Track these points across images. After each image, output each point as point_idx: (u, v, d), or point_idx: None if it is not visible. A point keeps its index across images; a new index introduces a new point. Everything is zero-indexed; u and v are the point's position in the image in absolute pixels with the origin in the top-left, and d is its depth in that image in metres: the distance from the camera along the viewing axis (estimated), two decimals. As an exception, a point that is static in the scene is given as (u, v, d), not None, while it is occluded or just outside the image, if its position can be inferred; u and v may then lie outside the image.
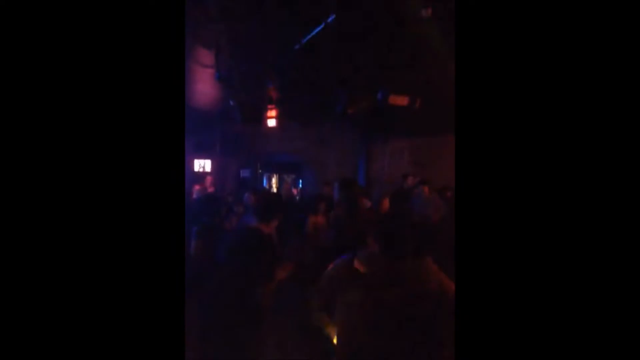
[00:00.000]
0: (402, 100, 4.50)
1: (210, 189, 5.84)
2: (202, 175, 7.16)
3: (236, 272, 2.22)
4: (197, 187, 5.30)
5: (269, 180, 9.29)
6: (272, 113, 6.21)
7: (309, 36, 3.65)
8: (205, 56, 4.42)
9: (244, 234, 2.35)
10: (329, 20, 3.39)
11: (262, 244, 2.24)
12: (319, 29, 3.52)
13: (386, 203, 3.81)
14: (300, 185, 8.48)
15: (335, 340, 1.93)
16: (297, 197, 7.50)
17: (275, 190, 9.13)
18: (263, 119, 6.30)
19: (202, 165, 7.74)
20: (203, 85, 5.18)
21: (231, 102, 5.82)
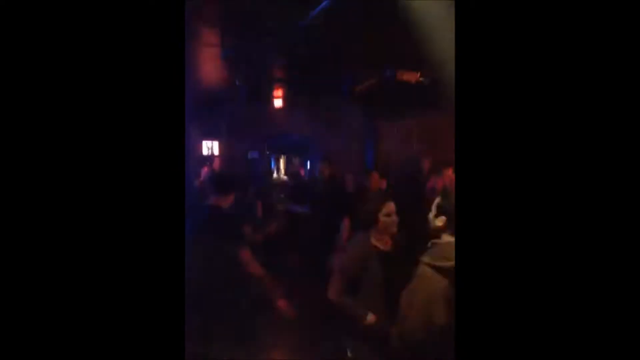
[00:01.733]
0: (411, 77, 4.42)
1: (219, 171, 5.85)
2: (210, 157, 7.16)
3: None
4: (205, 169, 5.31)
5: (277, 161, 9.29)
6: (279, 93, 6.17)
7: (315, 11, 3.57)
8: (210, 35, 4.36)
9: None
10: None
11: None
12: (324, 3, 3.44)
13: (375, 179, 3.79)
14: (308, 167, 8.45)
15: (368, 319, 1.95)
16: (305, 178, 7.50)
17: (283, 171, 9.12)
18: (270, 99, 6.26)
19: (209, 147, 7.73)
20: (208, 65, 5.13)
21: (237, 82, 5.77)
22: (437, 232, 1.86)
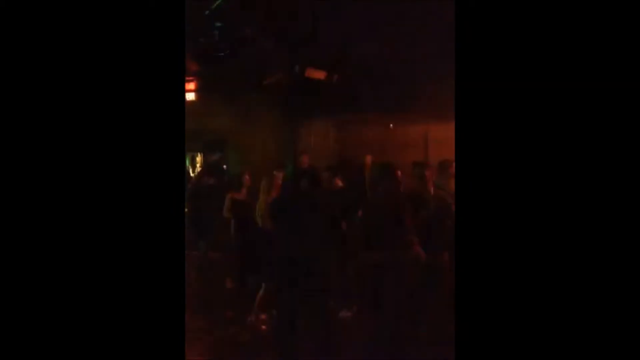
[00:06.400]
0: (319, 74, 4.51)
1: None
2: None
3: None
4: None
5: (193, 159, 8.90)
6: (191, 86, 5.94)
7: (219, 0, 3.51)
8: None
9: None
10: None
11: None
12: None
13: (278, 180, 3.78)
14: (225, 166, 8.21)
15: None
16: (225, 177, 7.28)
17: (199, 170, 8.76)
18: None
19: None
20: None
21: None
22: None
